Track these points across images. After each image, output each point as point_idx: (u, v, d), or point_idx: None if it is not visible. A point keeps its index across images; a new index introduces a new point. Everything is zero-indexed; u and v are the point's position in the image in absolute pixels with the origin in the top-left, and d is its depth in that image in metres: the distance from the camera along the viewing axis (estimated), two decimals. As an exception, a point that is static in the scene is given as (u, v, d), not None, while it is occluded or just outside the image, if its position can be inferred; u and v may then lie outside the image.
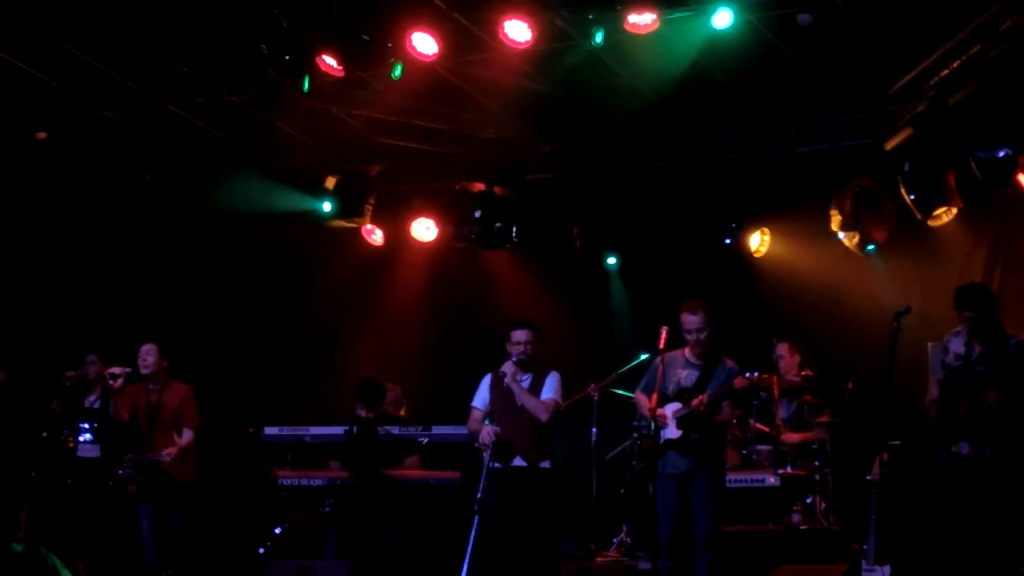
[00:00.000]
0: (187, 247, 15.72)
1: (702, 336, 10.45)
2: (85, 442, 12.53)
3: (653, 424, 10.36)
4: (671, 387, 10.49)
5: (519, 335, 10.90)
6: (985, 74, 11.79)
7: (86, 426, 12.61)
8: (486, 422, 10.74)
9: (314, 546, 12.31)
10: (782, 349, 13.26)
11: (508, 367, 10.78)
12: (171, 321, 14.71)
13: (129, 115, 13.87)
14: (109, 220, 15.30)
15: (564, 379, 11.02)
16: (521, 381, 10.86)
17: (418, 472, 12.01)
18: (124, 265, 15.59)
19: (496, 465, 10.59)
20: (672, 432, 10.36)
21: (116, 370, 12.17)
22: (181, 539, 12.25)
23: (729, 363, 10.54)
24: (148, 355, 12.41)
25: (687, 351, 10.56)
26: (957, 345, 10.54)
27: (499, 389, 10.80)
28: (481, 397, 11.03)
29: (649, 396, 10.54)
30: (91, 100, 13.66)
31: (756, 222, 14.40)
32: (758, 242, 14.47)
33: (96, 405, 12.63)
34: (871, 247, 13.56)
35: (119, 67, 13.14)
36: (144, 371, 12.34)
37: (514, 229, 14.86)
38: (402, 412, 13.24)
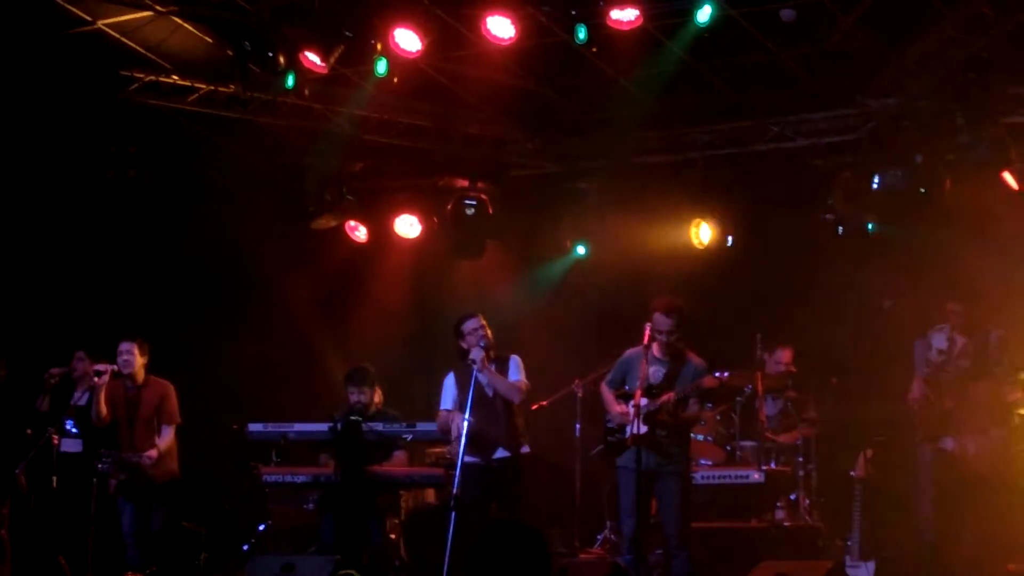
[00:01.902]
0: (171, 243, 15.67)
1: (672, 337, 10.43)
2: (69, 435, 12.51)
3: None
4: (638, 383, 10.40)
5: (473, 323, 10.87)
6: (970, 68, 11.80)
7: (71, 422, 12.60)
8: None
9: (299, 542, 12.31)
10: (786, 356, 13.22)
11: (477, 353, 10.67)
12: (155, 317, 14.66)
13: (112, 112, 13.82)
14: (94, 215, 15.26)
15: (549, 377, 11.02)
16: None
17: (402, 468, 11.99)
18: (109, 260, 15.54)
19: (473, 459, 10.58)
20: (638, 428, 10.31)
21: (101, 367, 12.13)
22: (163, 536, 12.21)
23: (696, 360, 10.51)
24: (128, 353, 12.35)
25: (655, 348, 10.50)
26: (939, 341, 10.57)
27: (465, 384, 10.72)
28: (448, 396, 10.96)
29: (616, 391, 10.56)
30: (75, 97, 13.62)
31: (736, 216, 14.35)
32: (707, 235, 14.42)
33: (83, 402, 12.59)
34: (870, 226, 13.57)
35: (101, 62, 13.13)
36: (125, 370, 12.26)
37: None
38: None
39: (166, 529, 12.19)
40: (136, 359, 12.34)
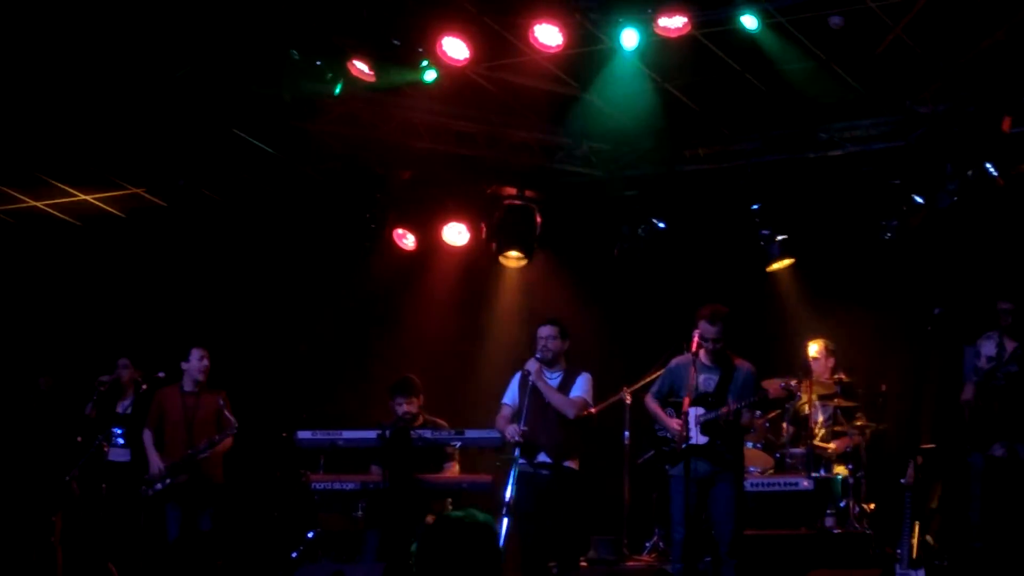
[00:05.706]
0: (219, 252, 15.77)
1: (719, 345, 10.40)
2: (116, 446, 12.57)
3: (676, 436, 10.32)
4: (689, 392, 10.36)
5: (543, 331, 10.99)
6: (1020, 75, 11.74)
7: (119, 431, 12.65)
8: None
9: (348, 550, 12.32)
10: (816, 350, 13.18)
11: (532, 364, 10.82)
12: (206, 326, 14.74)
13: (165, 123, 13.88)
14: (148, 225, 15.39)
15: (597, 383, 11.02)
16: (550, 379, 10.89)
17: (451, 476, 12.01)
18: (160, 269, 15.66)
19: (524, 464, 10.63)
20: (697, 438, 10.28)
21: (161, 375, 12.26)
22: (211, 540, 12.25)
23: (745, 365, 10.48)
24: (204, 359, 12.37)
25: (702, 355, 10.48)
26: (989, 348, 10.51)
27: (526, 387, 10.82)
28: (511, 394, 11.07)
29: (663, 402, 10.54)
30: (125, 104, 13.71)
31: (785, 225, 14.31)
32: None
33: (128, 411, 12.67)
34: None
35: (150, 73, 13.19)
36: (202, 377, 12.30)
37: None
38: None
39: (216, 533, 12.24)
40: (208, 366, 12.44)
